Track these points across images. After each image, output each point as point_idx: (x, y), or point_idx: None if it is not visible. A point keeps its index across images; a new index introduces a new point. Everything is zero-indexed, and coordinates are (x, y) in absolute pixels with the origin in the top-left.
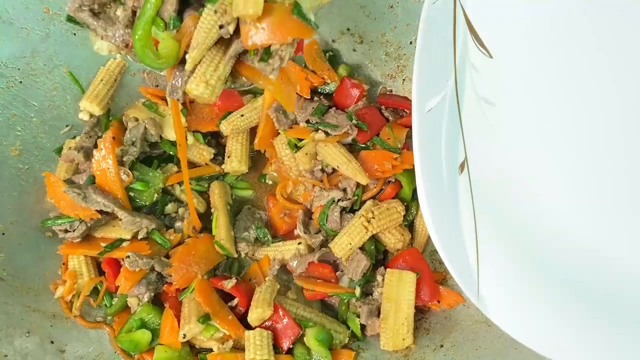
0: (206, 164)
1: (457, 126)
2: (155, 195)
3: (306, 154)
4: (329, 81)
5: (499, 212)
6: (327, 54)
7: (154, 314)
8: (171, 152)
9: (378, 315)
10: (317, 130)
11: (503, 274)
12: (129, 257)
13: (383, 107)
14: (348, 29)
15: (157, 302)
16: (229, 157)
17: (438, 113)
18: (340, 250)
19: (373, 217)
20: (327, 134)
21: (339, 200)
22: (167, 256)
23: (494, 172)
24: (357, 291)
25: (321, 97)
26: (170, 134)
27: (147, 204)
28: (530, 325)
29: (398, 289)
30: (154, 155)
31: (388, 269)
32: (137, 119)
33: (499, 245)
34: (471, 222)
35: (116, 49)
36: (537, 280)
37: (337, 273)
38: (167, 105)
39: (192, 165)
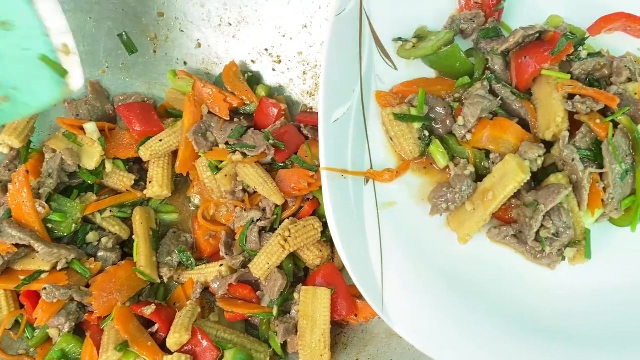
0: (127, 190)
1: (363, 137)
2: (74, 225)
3: (226, 175)
4: (248, 102)
5: (403, 224)
6: (246, 75)
7: (75, 343)
8: (90, 182)
9: (296, 332)
10: (234, 151)
11: (406, 285)
12: (45, 289)
13: (302, 125)
14: (266, 50)
15: (80, 331)
16: (150, 182)
17: (344, 123)
18: (258, 270)
19: (290, 236)
20: (245, 155)
21: (258, 220)
22: (88, 285)
23: (397, 183)
24: (275, 310)
25: (241, 118)
26: (89, 164)
27: (66, 234)
28: (431, 335)
29: (313, 305)
30: (74, 185)
31: (303, 287)
32: (54, 150)
33: (404, 257)
34: (377, 234)
35: None
36: (439, 292)
37: (258, 293)
38: (85, 134)
39: (113, 192)
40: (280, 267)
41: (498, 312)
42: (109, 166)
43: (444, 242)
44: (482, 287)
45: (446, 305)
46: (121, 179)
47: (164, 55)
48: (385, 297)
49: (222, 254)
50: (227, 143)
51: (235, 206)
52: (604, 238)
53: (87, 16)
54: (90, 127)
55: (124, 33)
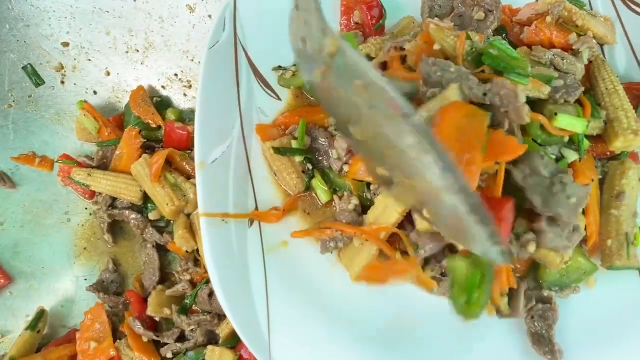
0: None
1: (246, 175)
2: None
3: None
4: (154, 125)
5: (293, 266)
6: (154, 99)
7: None
8: None
9: None
10: None
11: (295, 333)
12: None
13: None
14: (175, 74)
15: None
16: None
17: (224, 163)
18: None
19: None
20: None
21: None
22: None
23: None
24: None
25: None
26: None
27: None
28: None
29: None
30: None
31: (209, 346)
32: None
33: (293, 302)
34: (262, 280)
35: None
36: (333, 336)
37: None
38: None
39: None
40: None
41: (400, 354)
42: None
43: (338, 280)
44: (382, 327)
45: (339, 349)
46: None
47: (73, 85)
48: (273, 348)
49: None
50: None
51: None
52: None
53: None
54: None
55: (28, 65)
